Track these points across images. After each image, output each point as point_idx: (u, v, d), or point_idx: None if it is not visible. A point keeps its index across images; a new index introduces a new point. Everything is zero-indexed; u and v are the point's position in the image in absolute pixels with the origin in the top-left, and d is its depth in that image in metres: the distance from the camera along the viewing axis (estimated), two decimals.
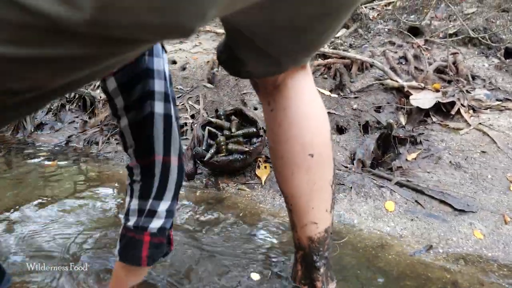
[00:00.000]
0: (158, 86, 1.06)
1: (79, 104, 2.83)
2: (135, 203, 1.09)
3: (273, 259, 1.56)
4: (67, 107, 2.82)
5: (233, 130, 2.14)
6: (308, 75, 1.18)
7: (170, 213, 1.10)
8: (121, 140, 1.10)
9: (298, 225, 1.24)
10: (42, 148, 2.56)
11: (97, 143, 2.47)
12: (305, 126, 1.14)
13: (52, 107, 2.83)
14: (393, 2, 4.20)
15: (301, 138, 1.14)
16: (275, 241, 1.69)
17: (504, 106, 2.51)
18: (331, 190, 1.23)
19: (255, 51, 0.97)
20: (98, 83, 2.87)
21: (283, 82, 1.13)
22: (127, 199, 1.11)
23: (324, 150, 1.17)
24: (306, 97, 1.16)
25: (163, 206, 1.08)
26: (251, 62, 1.04)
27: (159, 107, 1.05)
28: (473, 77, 2.82)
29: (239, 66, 1.07)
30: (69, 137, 2.65)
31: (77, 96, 2.79)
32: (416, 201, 1.90)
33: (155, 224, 1.08)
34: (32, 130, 2.74)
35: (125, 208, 1.12)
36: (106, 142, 2.47)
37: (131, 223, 1.09)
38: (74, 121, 2.75)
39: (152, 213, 1.08)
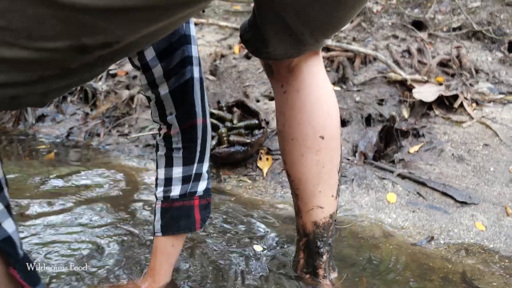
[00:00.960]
0: (194, 51, 1.12)
1: (81, 96, 2.83)
2: (178, 171, 1.12)
3: (270, 251, 1.56)
4: (68, 99, 2.82)
5: (234, 122, 2.14)
6: (320, 61, 1.21)
7: (208, 172, 1.18)
8: (157, 110, 1.12)
9: (303, 210, 1.25)
10: (42, 139, 2.57)
11: (98, 135, 2.48)
12: (317, 108, 1.17)
13: (54, 99, 2.84)
14: None
15: (313, 120, 1.17)
16: (273, 233, 1.69)
17: (507, 100, 2.49)
18: (338, 177, 1.24)
19: (281, 29, 1.00)
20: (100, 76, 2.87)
21: (297, 65, 1.16)
22: (162, 171, 1.14)
23: (335, 134, 1.20)
24: (319, 81, 1.19)
25: (205, 167, 1.15)
26: (274, 41, 1.06)
27: (196, 72, 1.12)
28: (477, 71, 2.81)
29: (262, 46, 1.10)
30: (70, 129, 2.65)
31: (79, 88, 2.79)
32: (418, 193, 1.89)
33: (202, 186, 1.15)
34: (34, 122, 2.74)
35: (161, 180, 1.15)
36: (108, 134, 2.47)
37: (175, 192, 1.13)
38: (75, 113, 2.75)
39: (198, 176, 1.14)
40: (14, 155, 2.37)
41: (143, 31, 0.66)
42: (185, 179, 1.13)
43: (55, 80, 0.69)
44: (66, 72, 0.68)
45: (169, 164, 1.13)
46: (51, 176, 2.04)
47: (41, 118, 2.76)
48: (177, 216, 1.14)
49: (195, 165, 1.13)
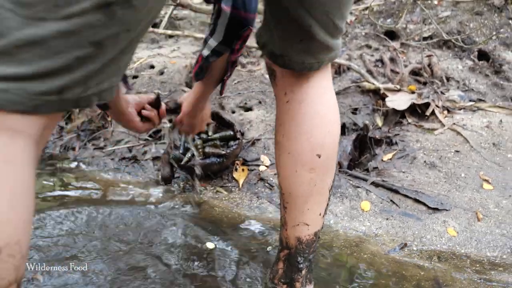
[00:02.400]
0: None
1: None
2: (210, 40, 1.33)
3: (245, 266, 1.57)
4: None
5: (210, 133, 2.14)
6: (329, 74, 1.17)
7: (215, 51, 1.32)
8: None
9: (289, 224, 1.23)
10: None
11: (73, 149, 2.45)
12: (318, 124, 1.13)
13: None
14: (369, 6, 4.26)
15: (312, 136, 1.13)
16: (251, 244, 1.70)
17: (477, 107, 2.55)
18: (328, 196, 1.22)
19: (290, 28, 1.01)
20: None
21: (304, 74, 1.11)
22: None
23: (331, 153, 1.17)
24: (324, 96, 1.15)
25: (211, 42, 1.29)
26: (285, 45, 1.05)
27: None
28: (448, 79, 2.87)
29: (275, 49, 1.08)
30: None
31: None
32: (391, 200, 1.92)
33: (205, 52, 1.31)
34: None
35: None
36: (83, 148, 2.45)
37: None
38: None
39: (205, 43, 1.31)
40: None
41: None
42: (204, 43, 1.33)
43: (91, 62, 0.70)
44: (98, 50, 0.70)
45: None
46: None
47: None
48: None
49: (209, 36, 1.30)
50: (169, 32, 3.21)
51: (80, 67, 0.70)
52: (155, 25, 3.44)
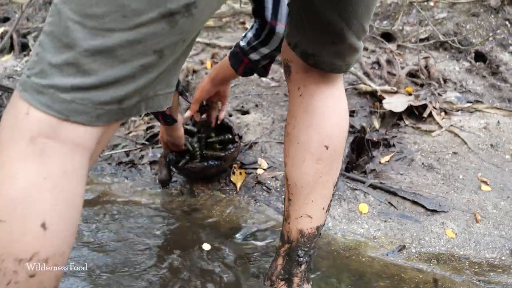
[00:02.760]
0: None
1: None
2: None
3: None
4: None
5: (209, 136, 2.13)
6: (340, 77, 1.21)
7: (267, 56, 1.62)
8: None
9: (292, 216, 1.25)
10: None
11: None
12: (328, 117, 1.18)
13: None
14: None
15: (322, 127, 1.17)
16: (248, 246, 1.69)
17: (475, 108, 2.55)
18: (332, 191, 1.25)
19: (321, 29, 1.05)
20: None
21: (318, 70, 1.15)
22: None
23: (338, 147, 1.21)
24: (335, 91, 1.19)
25: (263, 50, 1.58)
26: (317, 45, 1.09)
27: None
28: (445, 80, 2.87)
29: (308, 48, 1.11)
30: None
31: None
32: (389, 202, 1.91)
33: (254, 56, 1.62)
34: None
35: None
36: None
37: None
38: None
39: (254, 49, 1.60)
40: None
41: None
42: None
43: (151, 70, 0.74)
44: (159, 59, 0.73)
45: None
46: None
47: None
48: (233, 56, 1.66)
49: (256, 42, 1.55)
50: None
51: (143, 76, 0.73)
52: None
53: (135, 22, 0.67)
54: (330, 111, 1.18)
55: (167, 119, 1.74)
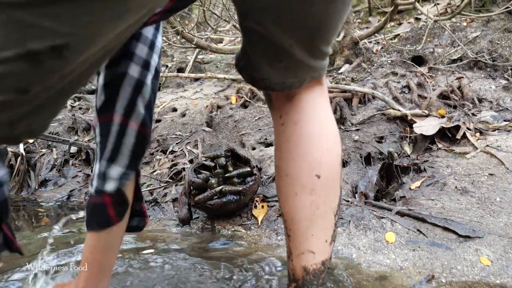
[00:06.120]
0: (140, 50, 1.08)
1: (83, 158, 2.86)
2: (97, 167, 1.08)
3: None
4: (70, 162, 2.85)
5: (230, 169, 2.10)
6: (324, 93, 1.13)
7: (124, 177, 1.08)
8: (95, 99, 1.10)
9: (294, 253, 1.15)
10: (42, 204, 2.57)
11: None
12: (314, 144, 1.08)
13: (56, 163, 2.87)
14: (398, 35, 4.19)
15: (309, 156, 1.07)
16: (266, 280, 1.61)
17: None
18: (334, 220, 1.14)
19: (268, 49, 0.96)
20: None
21: (298, 95, 1.08)
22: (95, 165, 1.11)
23: (332, 173, 1.10)
24: (319, 115, 1.10)
25: (115, 171, 1.06)
26: (264, 66, 1.01)
27: (134, 70, 1.07)
28: (480, 100, 2.73)
29: (255, 73, 1.04)
30: (71, 191, 2.66)
31: (79, 150, 2.82)
32: (418, 230, 1.79)
33: (110, 186, 1.06)
34: (36, 188, 2.77)
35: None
36: None
37: (93, 189, 1.08)
38: (77, 175, 2.77)
39: (105, 176, 1.06)
40: (22, 220, 2.38)
41: (92, 30, 0.64)
42: (99, 176, 1.08)
43: (17, 106, 0.68)
44: (25, 96, 0.67)
45: (95, 159, 1.11)
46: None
47: (43, 183, 2.79)
48: (92, 213, 1.09)
49: (104, 162, 1.07)
50: (193, 75, 3.25)
51: (4, 112, 0.68)
52: (181, 70, 3.49)
53: None
54: (316, 137, 1.08)
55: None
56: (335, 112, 2.78)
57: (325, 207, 1.10)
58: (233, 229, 1.99)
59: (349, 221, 1.90)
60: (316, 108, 1.10)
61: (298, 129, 1.08)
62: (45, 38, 0.60)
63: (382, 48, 3.78)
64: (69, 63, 0.66)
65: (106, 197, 1.07)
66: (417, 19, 4.67)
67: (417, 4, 2.83)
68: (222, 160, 2.11)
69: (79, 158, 2.87)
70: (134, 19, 0.69)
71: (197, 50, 3.46)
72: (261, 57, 1.00)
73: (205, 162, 2.12)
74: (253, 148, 2.46)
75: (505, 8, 2.78)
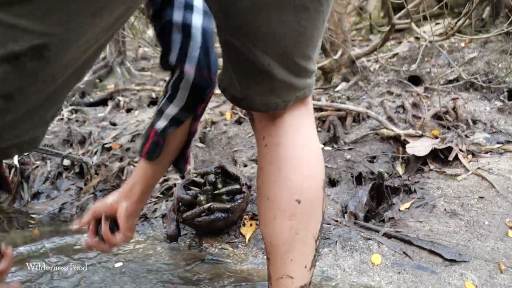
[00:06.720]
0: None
1: (76, 171, 2.86)
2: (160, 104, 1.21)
3: None
4: (64, 174, 2.85)
5: (219, 186, 2.09)
6: (309, 114, 1.11)
7: (174, 120, 1.18)
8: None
9: (273, 277, 1.13)
10: (33, 216, 2.58)
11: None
12: (296, 168, 1.05)
13: (49, 176, 2.88)
14: (397, 53, 4.20)
15: (290, 180, 1.05)
16: None
17: (504, 149, 2.39)
18: (314, 246, 1.12)
19: (246, 67, 0.95)
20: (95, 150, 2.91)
21: (281, 116, 1.05)
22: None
23: (313, 199, 1.08)
24: (303, 139, 1.07)
25: (170, 110, 1.17)
26: (244, 86, 1.00)
27: (177, 15, 1.14)
28: (474, 121, 2.73)
29: (236, 92, 1.03)
30: (63, 204, 2.66)
31: (73, 163, 2.83)
32: (404, 252, 1.78)
33: (160, 124, 1.18)
34: (29, 200, 2.77)
35: None
36: None
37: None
38: (70, 188, 2.77)
39: (161, 112, 1.18)
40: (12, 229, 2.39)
41: (69, 28, 0.64)
42: (157, 112, 1.20)
43: (1, 113, 0.68)
44: (9, 103, 0.67)
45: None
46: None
47: (36, 195, 2.79)
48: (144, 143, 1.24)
49: (166, 101, 1.18)
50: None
51: None
52: None
53: None
54: (298, 161, 1.05)
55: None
56: (328, 130, 2.78)
57: (305, 232, 1.08)
58: (220, 246, 1.99)
59: (336, 241, 1.89)
60: (299, 131, 1.07)
61: (280, 151, 1.05)
62: (23, 38, 0.61)
63: (380, 67, 3.79)
64: (51, 64, 0.66)
65: (152, 132, 1.20)
66: (417, 38, 4.69)
67: (413, 24, 2.84)
68: (212, 177, 2.10)
69: (72, 171, 2.88)
70: (115, 15, 0.68)
71: None
72: (242, 76, 0.99)
73: (195, 179, 2.12)
74: (245, 165, 2.46)
75: (501, 30, 2.78)
